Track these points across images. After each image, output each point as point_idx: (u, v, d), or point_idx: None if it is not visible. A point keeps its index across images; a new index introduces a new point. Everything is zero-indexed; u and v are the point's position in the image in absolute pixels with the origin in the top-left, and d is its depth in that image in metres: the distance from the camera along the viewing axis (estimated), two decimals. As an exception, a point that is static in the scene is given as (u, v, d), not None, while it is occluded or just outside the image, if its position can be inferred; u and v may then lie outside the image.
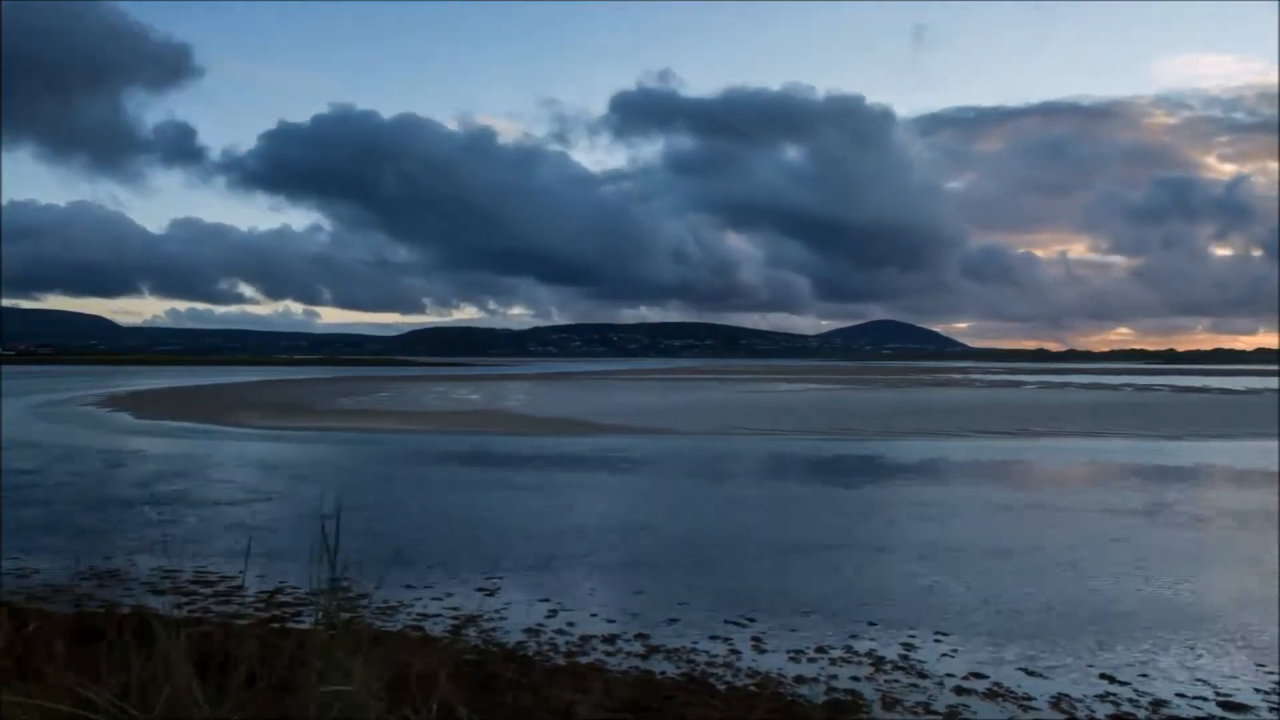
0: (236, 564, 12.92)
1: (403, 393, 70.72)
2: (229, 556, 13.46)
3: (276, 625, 9.64)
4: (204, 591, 11.53)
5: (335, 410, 50.69)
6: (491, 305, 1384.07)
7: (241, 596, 11.25)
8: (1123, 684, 8.60)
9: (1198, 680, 8.72)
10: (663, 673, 8.70)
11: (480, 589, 11.90)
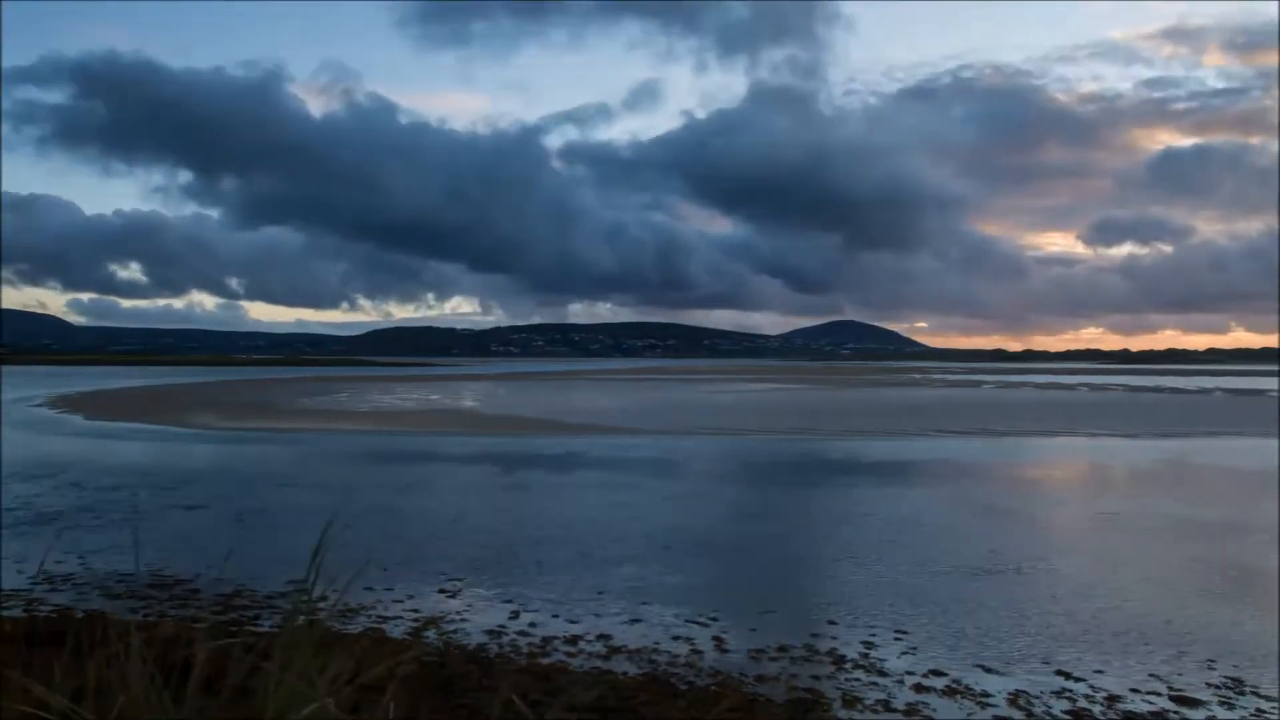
0: (193, 567, 12.77)
1: (366, 393, 70.19)
2: (186, 559, 13.28)
3: (235, 628, 9.54)
4: (160, 595, 11.37)
5: (298, 411, 50.23)
6: (430, 299, 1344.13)
7: (199, 600, 11.13)
8: (1078, 680, 8.72)
9: (1151, 676, 8.87)
10: (624, 673, 8.71)
11: (442, 590, 11.85)
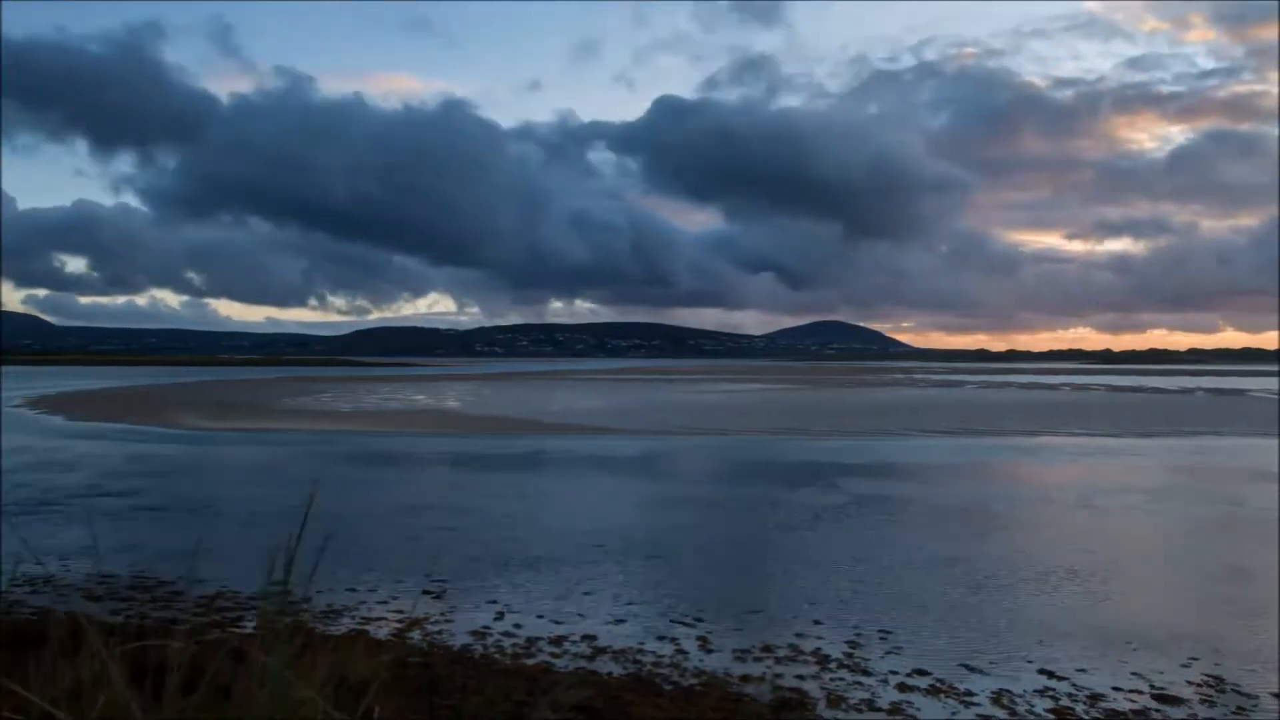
0: (176, 568, 12.70)
1: (352, 394, 69.93)
2: (168, 561, 13.21)
3: (217, 630, 9.48)
4: (141, 597, 11.30)
5: (284, 411, 50.01)
6: (405, 296, 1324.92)
7: (181, 601, 11.05)
8: (1061, 679, 8.76)
9: (1133, 674, 8.92)
10: (609, 673, 8.70)
11: (426, 591, 11.81)
